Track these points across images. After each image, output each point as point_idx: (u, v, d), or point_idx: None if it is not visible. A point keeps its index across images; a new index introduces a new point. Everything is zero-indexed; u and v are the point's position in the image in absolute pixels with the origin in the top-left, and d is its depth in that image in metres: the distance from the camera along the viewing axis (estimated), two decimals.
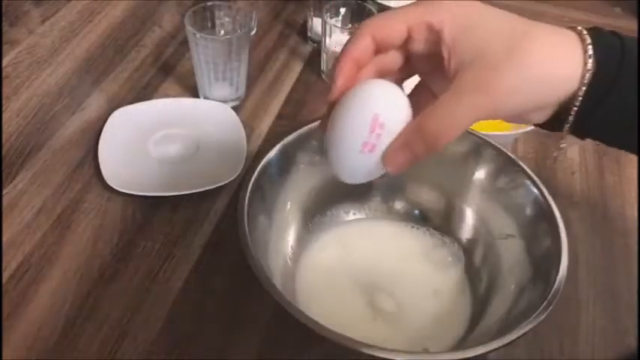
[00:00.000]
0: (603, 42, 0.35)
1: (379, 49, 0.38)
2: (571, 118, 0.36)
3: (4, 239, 0.59)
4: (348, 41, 0.38)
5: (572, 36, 0.35)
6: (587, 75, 0.34)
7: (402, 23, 0.37)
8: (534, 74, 0.34)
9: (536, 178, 0.54)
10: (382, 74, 0.39)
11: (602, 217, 0.68)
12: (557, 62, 0.35)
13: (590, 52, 0.34)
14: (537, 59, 0.34)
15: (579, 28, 0.36)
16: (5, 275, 0.56)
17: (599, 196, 0.70)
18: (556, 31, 0.36)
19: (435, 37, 0.36)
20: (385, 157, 0.36)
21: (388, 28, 0.37)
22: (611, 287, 0.60)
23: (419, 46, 0.38)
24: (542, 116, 0.38)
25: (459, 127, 0.34)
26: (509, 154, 0.56)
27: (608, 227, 0.66)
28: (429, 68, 0.39)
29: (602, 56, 0.34)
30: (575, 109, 0.36)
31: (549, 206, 0.52)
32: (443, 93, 0.34)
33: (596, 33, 0.36)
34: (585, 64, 0.34)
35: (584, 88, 0.35)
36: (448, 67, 0.35)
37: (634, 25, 0.99)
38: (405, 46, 0.38)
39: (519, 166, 0.55)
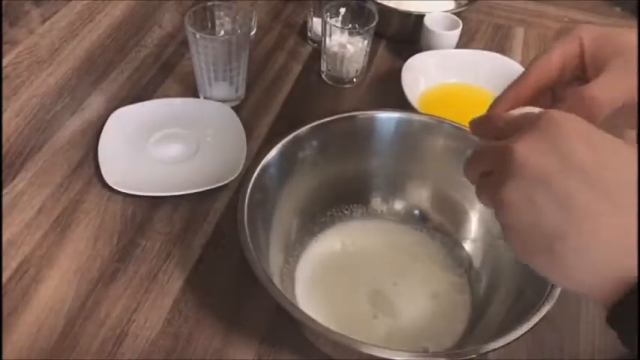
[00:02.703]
0: None
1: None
2: None
3: (4, 239, 0.59)
4: (515, 83, 0.41)
5: None
6: None
7: (559, 59, 0.40)
8: None
9: None
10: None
11: None
12: None
13: None
14: None
15: None
16: (5, 275, 0.56)
17: None
18: None
19: (579, 52, 0.40)
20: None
21: (547, 68, 0.40)
22: None
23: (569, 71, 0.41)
24: None
25: (614, 97, 0.38)
26: None
27: None
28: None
29: None
30: None
31: None
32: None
33: None
34: None
35: None
36: (591, 72, 0.39)
37: (634, 25, 0.99)
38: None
39: None
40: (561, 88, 0.42)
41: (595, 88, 0.38)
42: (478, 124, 0.39)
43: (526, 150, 0.31)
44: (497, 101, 0.41)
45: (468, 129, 0.41)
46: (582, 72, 0.40)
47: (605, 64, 0.39)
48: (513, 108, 0.40)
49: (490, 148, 0.35)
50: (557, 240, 0.30)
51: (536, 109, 0.37)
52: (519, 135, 0.32)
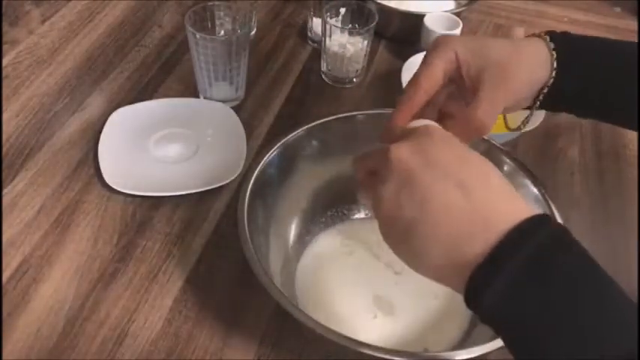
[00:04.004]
0: (560, 41, 0.48)
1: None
2: (541, 97, 0.49)
3: (4, 239, 0.59)
4: (405, 99, 0.47)
5: (540, 43, 0.48)
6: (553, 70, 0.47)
7: (440, 69, 0.46)
8: (526, 76, 0.47)
9: (536, 178, 0.54)
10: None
11: (602, 217, 0.68)
12: (538, 65, 0.47)
13: (554, 53, 0.47)
14: (526, 65, 0.47)
15: (543, 34, 0.48)
16: (5, 275, 0.56)
17: (599, 196, 0.70)
18: (531, 42, 0.48)
19: (455, 62, 0.46)
20: None
21: (433, 79, 0.46)
22: None
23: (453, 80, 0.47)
24: (528, 102, 0.49)
25: (495, 115, 0.45)
26: (510, 154, 0.56)
27: (608, 227, 0.66)
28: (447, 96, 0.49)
29: (561, 55, 0.47)
30: (546, 90, 0.48)
31: (549, 206, 0.52)
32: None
33: (552, 35, 0.48)
34: (552, 62, 0.47)
35: (552, 78, 0.47)
36: (468, 82, 0.46)
37: (634, 25, 0.99)
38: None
39: (519, 166, 0.55)
40: (441, 95, 0.48)
41: (479, 112, 0.44)
42: (383, 133, 0.45)
43: (399, 152, 0.36)
44: (395, 114, 0.46)
45: None
46: (459, 77, 0.46)
47: (479, 76, 0.45)
48: (411, 119, 0.45)
49: (375, 151, 0.39)
50: (411, 230, 0.34)
51: (430, 122, 0.42)
52: (398, 143, 0.37)
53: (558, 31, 0.49)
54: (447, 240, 0.33)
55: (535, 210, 0.33)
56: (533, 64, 0.47)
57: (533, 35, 0.49)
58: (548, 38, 0.48)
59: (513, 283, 0.30)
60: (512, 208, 0.33)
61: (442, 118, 0.48)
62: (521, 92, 0.47)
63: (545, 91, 0.48)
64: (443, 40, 0.47)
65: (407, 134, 0.38)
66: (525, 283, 0.31)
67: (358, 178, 0.42)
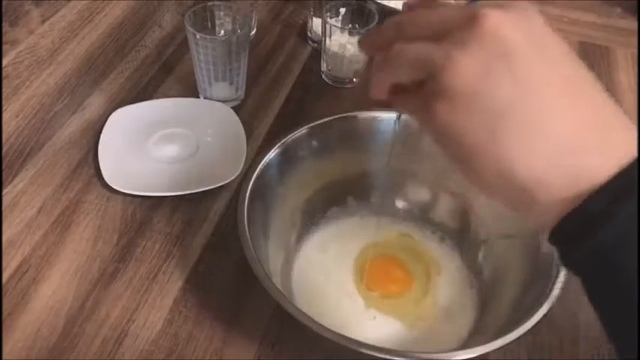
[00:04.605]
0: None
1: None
2: None
3: (4, 239, 0.59)
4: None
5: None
6: None
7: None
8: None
9: None
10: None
11: None
12: None
13: None
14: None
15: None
16: (5, 275, 0.56)
17: None
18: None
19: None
20: None
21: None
22: None
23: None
24: None
25: None
26: None
27: None
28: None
29: None
30: None
31: None
32: None
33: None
34: None
35: None
36: None
37: (634, 25, 0.99)
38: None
39: None
40: None
41: None
42: (369, 35, 0.34)
43: (498, 19, 0.27)
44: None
45: None
46: None
47: None
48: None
49: (446, 12, 0.30)
50: (505, 115, 0.27)
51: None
52: (490, 8, 0.28)
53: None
54: (550, 149, 0.26)
55: None
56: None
57: None
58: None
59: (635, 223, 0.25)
60: (630, 135, 0.27)
61: None
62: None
63: None
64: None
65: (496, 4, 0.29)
66: None
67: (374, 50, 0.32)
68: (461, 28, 0.28)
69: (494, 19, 0.27)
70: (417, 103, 0.30)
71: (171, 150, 0.70)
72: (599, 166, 0.26)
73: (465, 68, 0.27)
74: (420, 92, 0.29)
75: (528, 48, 0.27)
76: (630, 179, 0.26)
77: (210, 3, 0.73)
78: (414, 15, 0.31)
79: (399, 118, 0.50)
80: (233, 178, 0.66)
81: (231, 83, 0.75)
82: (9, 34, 0.61)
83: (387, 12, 0.86)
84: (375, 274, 0.56)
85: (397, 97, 0.32)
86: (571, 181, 0.26)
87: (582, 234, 0.27)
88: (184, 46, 0.82)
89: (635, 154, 0.26)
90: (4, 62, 0.61)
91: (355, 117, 0.60)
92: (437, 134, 0.29)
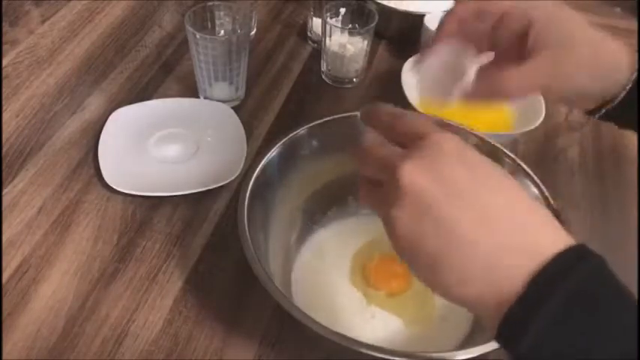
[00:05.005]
0: None
1: (478, 18, 0.46)
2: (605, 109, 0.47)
3: (4, 239, 0.59)
4: (457, 4, 0.46)
5: (628, 51, 0.45)
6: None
7: (506, 3, 0.44)
8: (598, 75, 0.44)
9: (536, 178, 0.54)
10: (470, 38, 0.47)
11: (602, 217, 0.68)
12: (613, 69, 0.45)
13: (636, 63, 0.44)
14: (606, 66, 0.44)
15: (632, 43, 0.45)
16: (5, 275, 0.56)
17: (599, 196, 0.70)
18: (616, 44, 0.45)
19: (527, 19, 0.44)
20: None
21: (493, 3, 0.45)
22: None
23: (509, 25, 0.45)
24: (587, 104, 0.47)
25: (524, 87, 0.44)
26: (510, 154, 0.56)
27: (608, 227, 0.66)
28: (503, 46, 0.46)
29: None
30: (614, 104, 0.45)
31: (549, 206, 0.52)
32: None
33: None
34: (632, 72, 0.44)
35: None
36: (531, 47, 0.44)
37: (634, 25, 0.99)
38: (497, 23, 0.45)
39: (519, 166, 0.55)
40: (501, 40, 0.46)
41: (511, 78, 0.43)
42: (368, 114, 0.40)
43: (410, 174, 0.32)
44: (444, 25, 0.46)
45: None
46: (523, 38, 0.44)
47: (539, 48, 0.43)
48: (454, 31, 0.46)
49: (381, 160, 0.35)
50: (438, 260, 0.31)
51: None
52: (405, 156, 0.33)
53: None
54: (477, 274, 0.31)
55: (564, 235, 0.31)
56: (616, 66, 0.45)
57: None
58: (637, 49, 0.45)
59: (553, 323, 0.28)
60: (543, 236, 0.31)
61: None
62: (584, 85, 0.44)
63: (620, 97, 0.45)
64: (524, 6, 0.45)
65: (410, 142, 0.34)
66: (566, 321, 0.28)
67: (360, 182, 0.38)
68: (387, 182, 0.33)
69: (407, 175, 0.32)
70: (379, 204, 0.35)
71: (171, 150, 0.70)
72: (520, 273, 0.30)
73: (400, 227, 0.32)
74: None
75: (440, 195, 0.31)
76: (546, 281, 0.29)
77: (210, 3, 0.73)
78: (363, 152, 0.37)
79: None
80: (233, 178, 0.66)
81: (231, 83, 0.75)
82: (9, 34, 0.61)
83: (387, 12, 0.86)
84: (376, 273, 0.56)
85: (366, 191, 0.37)
86: (501, 293, 0.30)
87: (509, 343, 0.30)
88: (184, 46, 0.82)
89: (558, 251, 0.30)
90: (4, 62, 0.61)
91: (355, 117, 0.59)
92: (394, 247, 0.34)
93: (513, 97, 0.44)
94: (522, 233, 0.31)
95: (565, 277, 0.29)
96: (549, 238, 0.31)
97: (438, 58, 0.47)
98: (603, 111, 0.47)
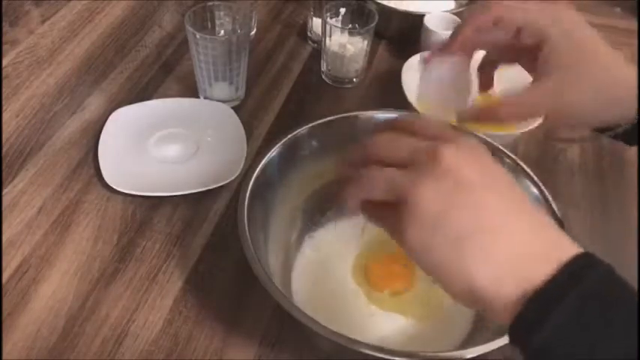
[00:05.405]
0: None
1: (495, 26, 0.45)
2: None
3: (4, 239, 0.59)
4: (475, 13, 0.46)
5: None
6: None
7: (521, 14, 0.44)
8: (608, 102, 0.44)
9: (536, 178, 0.54)
10: (488, 47, 0.48)
11: (602, 217, 0.68)
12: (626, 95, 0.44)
13: None
14: (617, 94, 0.44)
15: None
16: (5, 275, 0.56)
17: (599, 196, 0.70)
18: (630, 70, 0.44)
19: (541, 36, 0.44)
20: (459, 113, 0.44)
21: (511, 15, 0.44)
22: None
23: (524, 39, 0.45)
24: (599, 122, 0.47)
25: (536, 108, 0.44)
26: (510, 154, 0.56)
27: (608, 227, 0.66)
28: (515, 56, 0.47)
29: None
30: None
31: (549, 206, 0.52)
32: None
33: None
34: None
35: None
36: (541, 67, 0.43)
37: (634, 25, 0.99)
38: (515, 35, 0.45)
39: (519, 166, 0.55)
40: (513, 49, 0.46)
41: (510, 103, 0.43)
42: (405, 123, 0.39)
43: (452, 155, 0.33)
44: (461, 31, 0.45)
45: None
46: (537, 50, 0.44)
47: (551, 69, 0.43)
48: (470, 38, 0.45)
49: (390, 185, 0.34)
50: (464, 238, 0.31)
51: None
52: (415, 179, 0.33)
53: None
54: (507, 252, 0.31)
55: (571, 242, 0.32)
56: (628, 94, 0.43)
57: None
58: None
59: (568, 321, 0.29)
60: (572, 249, 0.32)
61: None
62: (593, 112, 0.44)
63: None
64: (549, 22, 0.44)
65: (445, 136, 0.34)
66: (579, 320, 0.29)
67: (363, 206, 0.37)
68: (425, 162, 0.33)
69: (450, 158, 0.32)
70: (389, 221, 0.35)
71: (171, 150, 0.70)
72: (543, 273, 0.30)
73: (429, 198, 0.32)
74: (392, 212, 0.34)
75: (479, 180, 0.32)
76: (559, 285, 0.30)
77: (210, 3, 0.73)
78: (387, 140, 0.36)
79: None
80: (233, 178, 0.66)
81: (231, 83, 0.75)
82: (9, 34, 0.61)
83: (387, 12, 0.86)
84: (378, 273, 0.56)
85: (369, 209, 0.37)
86: (520, 287, 0.31)
87: (524, 338, 0.30)
88: (184, 46, 0.82)
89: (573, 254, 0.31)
90: (4, 62, 0.61)
91: (355, 117, 0.60)
92: (408, 251, 0.34)
93: (511, 122, 0.45)
94: (552, 236, 0.32)
95: (580, 279, 0.30)
96: (563, 245, 0.32)
97: (443, 67, 0.46)
98: (613, 133, 0.47)
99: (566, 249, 0.31)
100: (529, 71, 0.46)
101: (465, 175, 0.32)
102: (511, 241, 0.31)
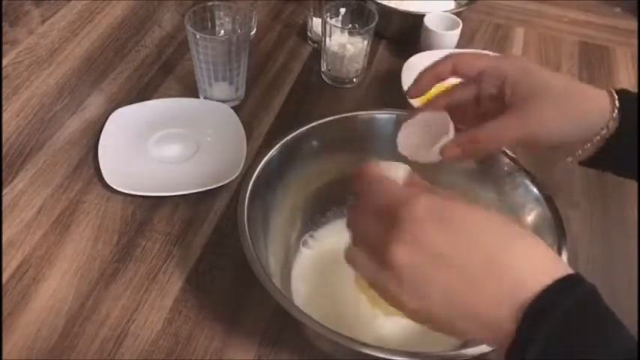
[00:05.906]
0: (628, 102, 0.45)
1: (455, 75, 0.49)
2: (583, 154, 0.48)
3: (4, 239, 0.59)
4: (435, 62, 0.49)
5: (603, 95, 0.46)
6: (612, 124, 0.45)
7: (480, 63, 0.48)
8: (573, 117, 0.45)
9: (536, 178, 0.54)
10: (453, 106, 0.49)
11: (602, 217, 0.68)
12: (594, 111, 0.46)
13: (617, 109, 0.45)
14: (580, 108, 0.46)
15: (610, 88, 0.47)
16: (5, 275, 0.56)
17: (599, 196, 0.70)
18: (594, 88, 0.47)
19: (501, 78, 0.47)
20: (442, 150, 0.47)
21: (468, 63, 0.48)
22: (610, 287, 0.59)
23: (487, 84, 0.48)
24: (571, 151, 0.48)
25: (501, 141, 0.47)
26: (510, 153, 0.56)
27: (608, 227, 0.66)
28: (489, 109, 0.49)
29: (624, 113, 0.45)
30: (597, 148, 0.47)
31: (549, 206, 0.52)
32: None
33: (622, 93, 0.46)
34: (611, 116, 0.45)
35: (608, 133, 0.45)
36: (508, 101, 0.46)
37: (634, 25, 0.99)
38: (476, 84, 0.48)
39: (519, 166, 0.55)
40: (485, 101, 0.49)
41: (483, 133, 0.45)
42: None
43: (398, 256, 0.33)
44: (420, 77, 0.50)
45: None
46: (501, 94, 0.47)
47: (516, 99, 0.45)
48: (431, 86, 0.50)
49: (369, 243, 0.36)
50: (453, 288, 0.32)
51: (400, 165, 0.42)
52: (387, 240, 0.34)
53: (621, 88, 0.47)
54: (471, 325, 0.32)
55: (553, 263, 0.32)
56: (590, 109, 0.46)
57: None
58: (614, 92, 0.46)
59: (553, 337, 0.30)
60: (540, 266, 0.32)
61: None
62: (560, 130, 0.45)
63: (599, 143, 0.46)
64: (497, 58, 0.49)
65: (389, 216, 0.35)
66: (565, 334, 0.30)
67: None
68: (380, 265, 0.34)
69: (397, 260, 0.33)
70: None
71: (171, 150, 0.70)
72: (512, 310, 0.31)
73: (402, 254, 0.33)
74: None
75: (428, 263, 0.32)
76: (549, 300, 0.30)
77: (210, 3, 0.73)
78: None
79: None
80: (233, 178, 0.66)
81: (231, 83, 0.75)
82: (9, 34, 0.61)
83: (387, 12, 0.86)
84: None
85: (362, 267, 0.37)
86: (499, 333, 0.31)
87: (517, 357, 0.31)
88: (184, 46, 0.82)
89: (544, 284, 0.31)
90: (4, 62, 0.61)
91: (355, 117, 0.60)
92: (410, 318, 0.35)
93: (491, 151, 0.47)
94: (509, 271, 0.32)
95: (564, 296, 0.31)
96: (538, 270, 0.32)
97: (419, 120, 0.49)
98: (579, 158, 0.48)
99: (538, 277, 0.31)
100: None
101: (416, 267, 0.33)
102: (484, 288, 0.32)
